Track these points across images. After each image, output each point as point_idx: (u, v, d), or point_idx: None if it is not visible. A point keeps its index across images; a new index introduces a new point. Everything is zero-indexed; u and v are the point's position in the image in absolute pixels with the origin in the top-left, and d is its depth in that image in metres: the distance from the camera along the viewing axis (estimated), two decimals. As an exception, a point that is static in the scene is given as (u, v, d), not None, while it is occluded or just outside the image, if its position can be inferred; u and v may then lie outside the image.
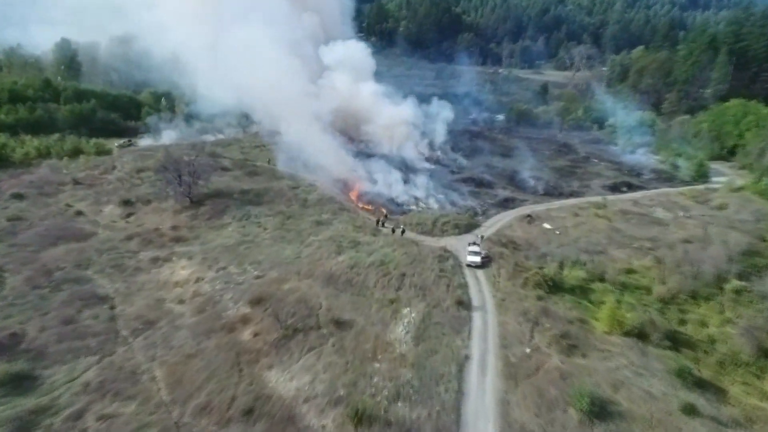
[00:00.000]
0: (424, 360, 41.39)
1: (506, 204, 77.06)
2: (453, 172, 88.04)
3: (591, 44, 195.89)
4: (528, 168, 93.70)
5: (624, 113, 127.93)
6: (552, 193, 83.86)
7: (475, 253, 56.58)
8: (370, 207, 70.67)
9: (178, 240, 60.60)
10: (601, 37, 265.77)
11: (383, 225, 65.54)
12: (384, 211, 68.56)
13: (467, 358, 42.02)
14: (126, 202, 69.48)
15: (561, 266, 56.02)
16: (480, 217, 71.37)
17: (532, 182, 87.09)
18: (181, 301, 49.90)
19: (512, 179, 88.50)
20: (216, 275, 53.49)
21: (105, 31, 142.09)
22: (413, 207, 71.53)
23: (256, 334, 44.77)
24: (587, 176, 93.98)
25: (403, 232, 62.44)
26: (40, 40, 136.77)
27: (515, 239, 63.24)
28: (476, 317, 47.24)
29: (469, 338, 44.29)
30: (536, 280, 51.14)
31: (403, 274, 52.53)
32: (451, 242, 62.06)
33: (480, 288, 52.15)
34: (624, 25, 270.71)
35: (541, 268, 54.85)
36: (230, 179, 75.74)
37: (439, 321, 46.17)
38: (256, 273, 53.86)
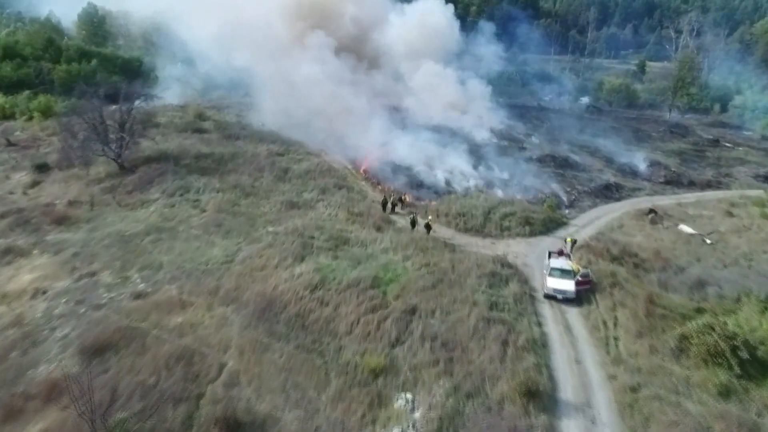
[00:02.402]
0: None
1: (608, 193, 46.83)
2: (523, 149, 58.41)
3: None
4: (633, 149, 62.58)
5: (755, 92, 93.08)
6: (677, 181, 52.61)
7: (564, 273, 27.55)
8: (384, 186, 42.76)
9: (62, 222, 35.40)
10: (701, 25, 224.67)
11: (392, 209, 37.70)
12: (403, 195, 40.16)
13: None
14: (40, 168, 45.40)
15: (739, 302, 26.03)
16: (567, 210, 41.76)
17: (643, 167, 56.11)
18: (-20, 335, 24.51)
19: (611, 162, 57.79)
20: (71, 286, 27.76)
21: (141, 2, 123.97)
22: (454, 187, 42.63)
23: (44, 438, 18.50)
24: (725, 162, 61.62)
25: (429, 227, 34.00)
26: (71, 9, 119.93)
27: (633, 248, 33.37)
28: (571, 435, 18.58)
29: None
30: (711, 344, 21.52)
31: (413, 311, 24.41)
32: (517, 248, 33.17)
33: (575, 352, 23.20)
34: (729, 12, 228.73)
35: (698, 309, 25.39)
36: (196, 141, 50.16)
37: (478, 440, 17.92)
38: (141, 286, 27.63)
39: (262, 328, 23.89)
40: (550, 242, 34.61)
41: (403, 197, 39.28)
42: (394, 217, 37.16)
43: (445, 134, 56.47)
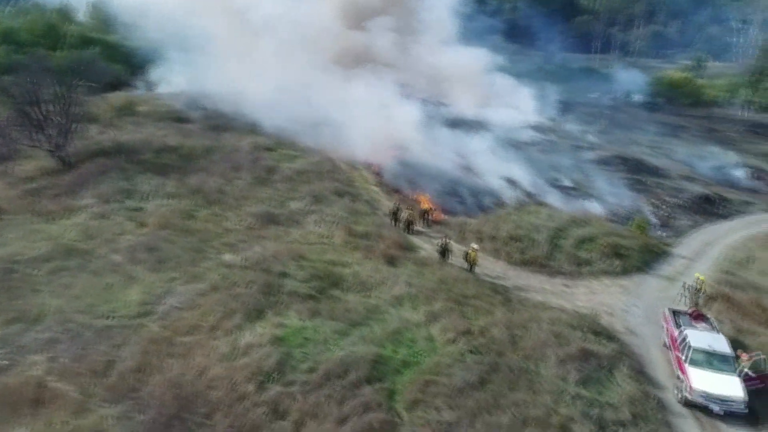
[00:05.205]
0: None
1: (709, 208, 34.04)
2: (581, 148, 45.82)
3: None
4: (718, 153, 49.40)
5: None
6: (793, 194, 39.62)
7: (720, 362, 15.20)
8: (402, 195, 30.64)
9: (-50, 237, 24.56)
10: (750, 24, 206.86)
11: (408, 228, 25.79)
12: (429, 208, 27.76)
13: None
14: (-28, 161, 34.80)
15: None
16: (661, 232, 29.14)
17: (741, 174, 42.98)
18: None
19: (696, 167, 44.84)
20: None
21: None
22: (503, 198, 30.27)
23: None
24: (843, 170, 47.89)
25: (473, 263, 21.84)
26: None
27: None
28: None
29: None
30: None
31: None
32: (608, 298, 20.87)
33: None
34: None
35: None
36: (171, 132, 38.92)
37: None
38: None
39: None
40: (656, 286, 22.20)
41: (428, 210, 27.12)
42: (414, 239, 25.21)
43: (481, 130, 44.41)
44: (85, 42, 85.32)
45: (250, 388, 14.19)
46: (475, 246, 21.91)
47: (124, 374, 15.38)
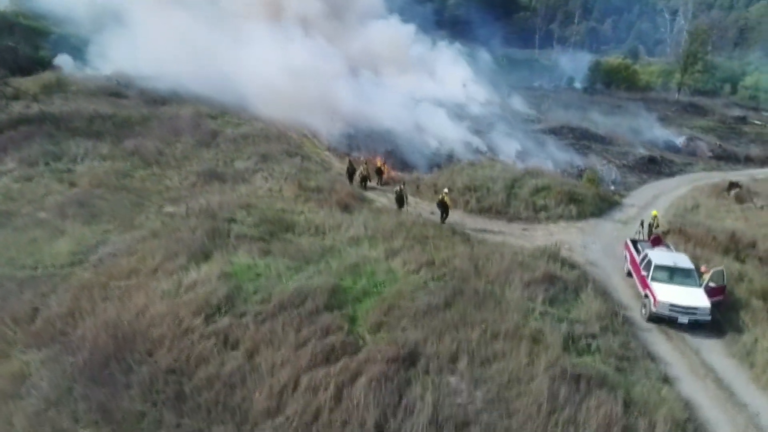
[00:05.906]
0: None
1: (655, 168, 35.07)
2: (530, 121, 46.42)
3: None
4: (657, 126, 51.28)
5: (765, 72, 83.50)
6: (729, 157, 41.49)
7: (683, 276, 15.16)
8: (353, 158, 29.63)
9: None
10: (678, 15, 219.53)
11: (363, 184, 25.08)
12: (380, 163, 26.97)
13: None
14: None
15: None
16: (612, 187, 29.58)
17: (681, 141, 44.67)
18: None
19: (638, 136, 46.33)
20: None
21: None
22: (457, 155, 29.92)
23: None
24: (768, 138, 50.76)
25: (445, 209, 21.02)
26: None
27: (737, 234, 21.12)
28: None
29: None
30: None
31: (410, 359, 11.64)
32: (567, 237, 20.70)
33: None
34: (706, 7, 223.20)
35: None
36: (104, 104, 36.29)
37: None
38: None
39: (91, 401, 10.91)
40: (611, 228, 22.34)
41: (381, 166, 26.37)
42: (369, 194, 24.37)
43: (427, 101, 44.17)
44: (8, 27, 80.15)
45: (197, 322, 12.86)
46: (445, 191, 21.29)
47: (51, 320, 13.71)
